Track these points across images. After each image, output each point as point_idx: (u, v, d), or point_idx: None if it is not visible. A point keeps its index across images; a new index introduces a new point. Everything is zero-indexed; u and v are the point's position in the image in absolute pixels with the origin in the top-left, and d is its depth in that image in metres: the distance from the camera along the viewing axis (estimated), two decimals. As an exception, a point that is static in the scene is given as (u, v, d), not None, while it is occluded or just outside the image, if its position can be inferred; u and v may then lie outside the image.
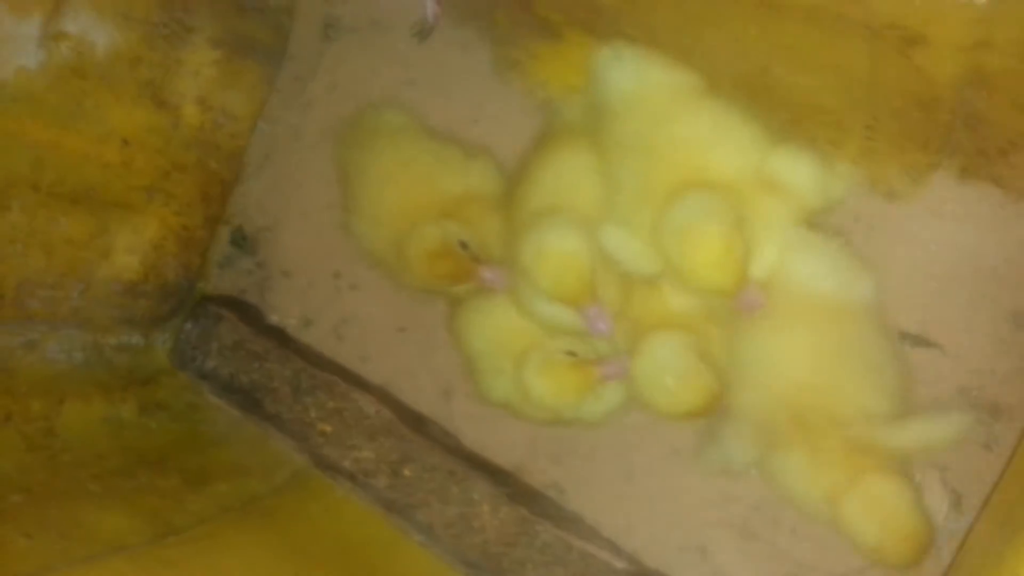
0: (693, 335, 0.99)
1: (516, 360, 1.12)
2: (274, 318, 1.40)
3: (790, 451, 0.95)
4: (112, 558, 1.04)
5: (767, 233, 0.94)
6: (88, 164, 1.18)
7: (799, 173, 0.96)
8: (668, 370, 1.00)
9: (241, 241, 1.44)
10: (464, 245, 1.12)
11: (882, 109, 0.87)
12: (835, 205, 1.02)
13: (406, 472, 1.23)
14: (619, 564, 1.09)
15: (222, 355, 1.36)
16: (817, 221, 1.03)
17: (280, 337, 1.36)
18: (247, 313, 1.39)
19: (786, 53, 0.84)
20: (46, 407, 1.23)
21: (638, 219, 1.00)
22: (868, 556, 0.95)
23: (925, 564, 1.01)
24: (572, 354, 1.07)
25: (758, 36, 0.82)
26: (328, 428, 1.28)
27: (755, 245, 0.93)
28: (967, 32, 0.64)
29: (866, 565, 1.04)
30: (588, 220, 1.04)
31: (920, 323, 1.01)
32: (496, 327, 1.16)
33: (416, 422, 1.26)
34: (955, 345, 1.00)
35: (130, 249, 1.30)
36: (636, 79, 1.02)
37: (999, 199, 0.97)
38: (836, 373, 0.94)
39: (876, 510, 0.91)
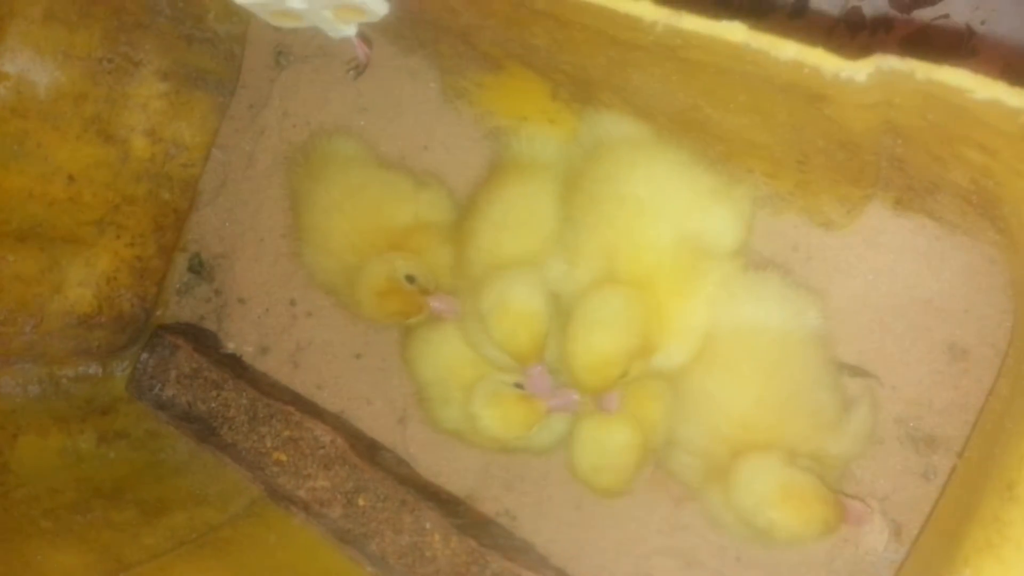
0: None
1: (465, 390, 1.12)
2: (231, 345, 1.41)
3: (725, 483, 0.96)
4: (60, 600, 1.04)
5: (683, 324, 0.95)
6: (33, 202, 1.18)
7: (728, 235, 0.98)
8: (603, 452, 1.01)
9: (199, 268, 1.44)
10: (411, 279, 1.12)
11: (809, 147, 0.87)
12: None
13: (360, 502, 1.23)
14: (567, 595, 1.10)
15: (180, 383, 1.36)
16: (753, 252, 1.05)
17: (237, 366, 1.36)
18: (204, 341, 1.39)
19: (710, 96, 0.84)
20: (0, 442, 1.23)
21: (578, 269, 1.01)
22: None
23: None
24: (519, 387, 1.08)
25: (680, 81, 0.82)
26: (283, 457, 1.29)
27: (665, 335, 0.95)
28: (864, 95, 0.64)
29: (811, 593, 1.04)
30: (543, 266, 1.05)
31: (858, 353, 1.01)
32: (445, 357, 1.16)
33: (370, 451, 1.27)
34: (892, 376, 1.00)
35: (82, 282, 1.30)
36: (603, 134, 1.05)
37: (934, 231, 0.97)
38: (779, 413, 0.94)
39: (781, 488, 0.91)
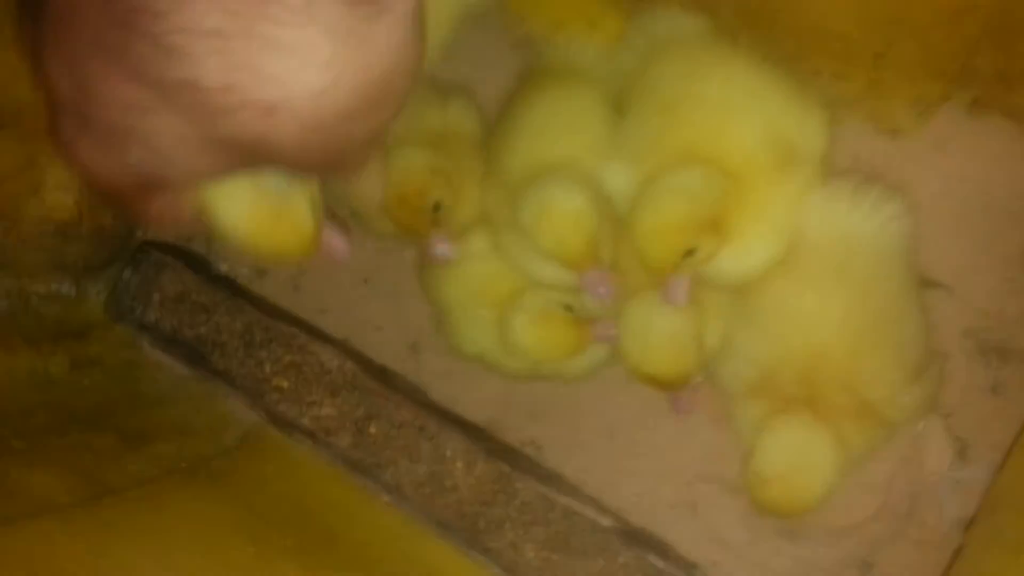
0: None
1: (498, 307, 1.04)
2: (224, 268, 1.29)
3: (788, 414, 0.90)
4: (41, 518, 0.92)
5: (768, 217, 0.90)
6: (18, 83, 1.05)
7: (814, 140, 0.92)
8: (654, 329, 0.94)
9: (187, 184, 1.32)
10: (437, 207, 1.03)
11: (902, 28, 0.82)
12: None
13: (372, 429, 1.13)
14: (605, 522, 1.02)
15: (164, 307, 1.24)
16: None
17: (231, 287, 1.25)
18: (193, 261, 1.27)
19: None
20: (-37, 356, 1.10)
21: (645, 168, 0.94)
22: None
23: (923, 513, 0.97)
24: (569, 309, 1.00)
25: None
26: (284, 384, 1.18)
27: (747, 230, 0.89)
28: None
29: (865, 519, 0.99)
30: (587, 170, 0.98)
31: (925, 264, 0.97)
32: (473, 274, 1.08)
33: (382, 376, 1.17)
34: (962, 286, 0.96)
35: (63, 186, 1.17)
36: (667, 32, 0.99)
37: (1011, 133, 0.93)
38: (861, 342, 0.88)
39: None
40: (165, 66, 0.61)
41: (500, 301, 1.05)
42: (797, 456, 0.86)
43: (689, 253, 0.86)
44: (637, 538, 1.01)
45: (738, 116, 0.91)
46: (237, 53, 0.59)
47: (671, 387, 0.96)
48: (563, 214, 0.94)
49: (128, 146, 0.71)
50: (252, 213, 0.84)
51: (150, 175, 0.75)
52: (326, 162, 0.75)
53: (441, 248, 1.03)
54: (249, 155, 0.69)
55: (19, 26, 0.83)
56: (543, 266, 0.99)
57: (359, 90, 0.64)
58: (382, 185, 1.01)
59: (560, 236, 0.94)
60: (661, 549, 1.00)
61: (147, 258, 1.25)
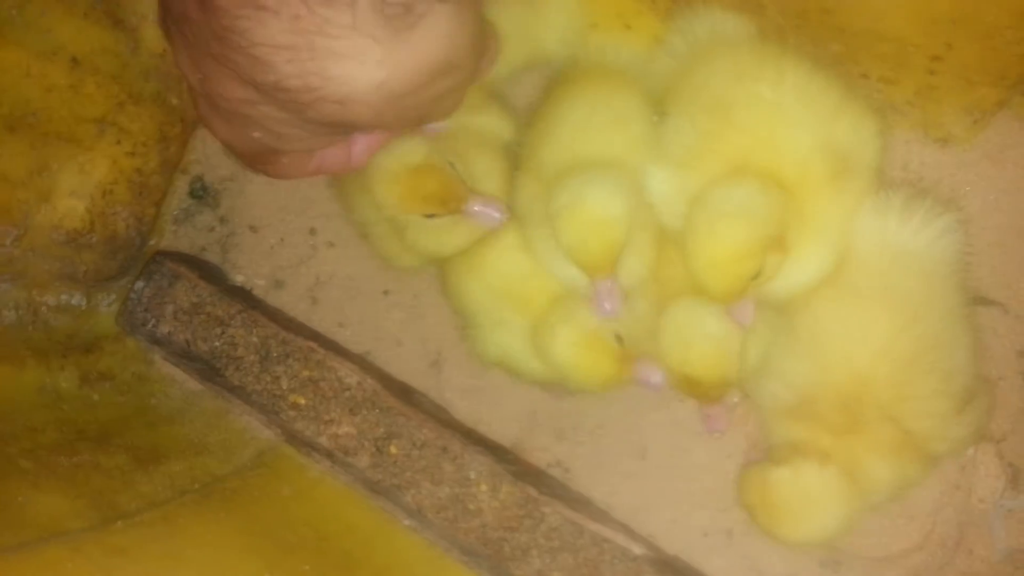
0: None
1: (524, 310, 1.00)
2: (239, 279, 1.25)
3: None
4: (50, 545, 0.88)
5: (823, 230, 0.85)
6: (30, 83, 1.01)
7: (867, 147, 0.88)
8: (699, 330, 0.89)
9: (201, 192, 1.28)
10: (452, 166, 0.98)
11: (964, 29, 0.78)
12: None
13: (392, 449, 1.09)
14: (637, 550, 0.97)
15: (178, 319, 1.20)
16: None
17: (247, 299, 1.21)
18: (208, 272, 1.23)
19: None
20: (-30, 370, 1.06)
21: (692, 174, 0.89)
22: None
23: (971, 542, 0.92)
24: (619, 340, 0.95)
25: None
26: (302, 400, 1.13)
27: (797, 244, 0.84)
28: None
29: (910, 548, 0.94)
30: (628, 170, 0.93)
31: (978, 280, 0.92)
32: (500, 274, 1.03)
33: (403, 394, 1.13)
34: (1017, 304, 0.91)
35: (75, 192, 1.13)
36: (709, 33, 0.95)
37: (1069, 142, 0.89)
38: (907, 370, 0.83)
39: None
40: (256, 72, 0.77)
41: (526, 303, 1.01)
42: (797, 493, 0.82)
43: (755, 276, 0.82)
44: (670, 567, 0.96)
45: (791, 121, 0.86)
46: (307, 61, 0.75)
47: (708, 395, 0.91)
48: (594, 217, 0.89)
49: (246, 126, 0.89)
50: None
51: (269, 145, 0.92)
52: (408, 121, 0.89)
53: (481, 207, 0.97)
54: (342, 127, 0.87)
55: (161, 24, 0.97)
56: (562, 264, 0.95)
57: (417, 73, 0.78)
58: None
59: (584, 237, 0.89)
60: (697, 579, 0.96)
61: (160, 268, 1.20)
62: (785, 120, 0.86)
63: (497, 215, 0.97)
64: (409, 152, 0.96)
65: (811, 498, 0.80)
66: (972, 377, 0.85)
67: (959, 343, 0.85)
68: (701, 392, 0.91)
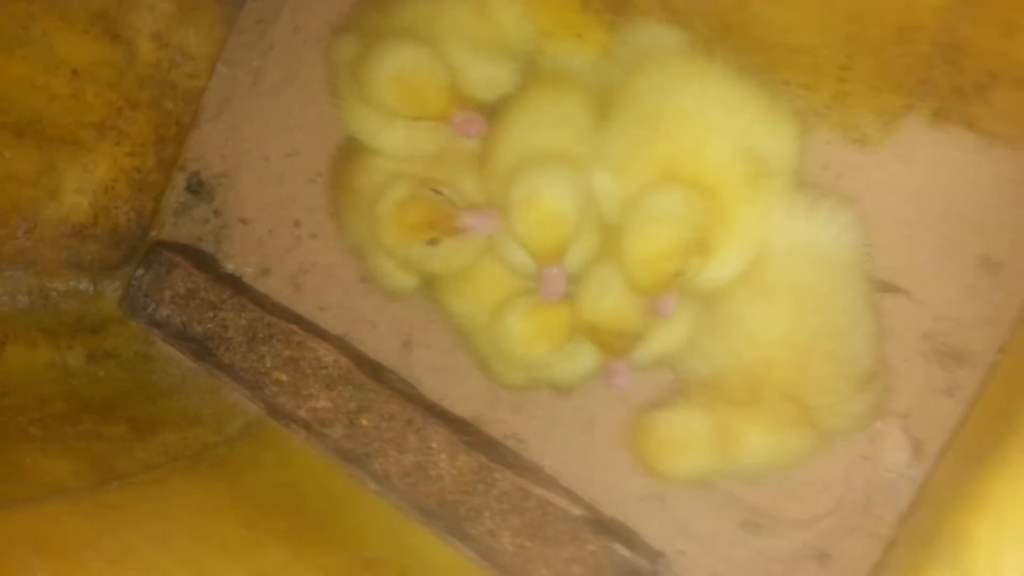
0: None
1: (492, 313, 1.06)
2: (230, 267, 1.36)
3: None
4: (51, 500, 1.00)
5: (742, 230, 0.92)
6: (35, 94, 1.12)
7: (786, 151, 0.95)
8: (610, 289, 0.96)
9: (197, 187, 1.39)
10: (437, 192, 1.05)
11: (859, 44, 0.85)
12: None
13: (363, 421, 1.20)
14: (577, 511, 1.07)
15: (175, 303, 1.31)
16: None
17: (236, 285, 1.32)
18: (202, 261, 1.35)
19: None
20: (-13, 349, 1.18)
21: (627, 178, 0.97)
22: None
23: (879, 508, 1.00)
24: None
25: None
26: (284, 377, 1.25)
27: (721, 243, 0.92)
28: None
29: (823, 512, 1.03)
30: (578, 163, 1.01)
31: (887, 269, 1.00)
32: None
33: (374, 371, 1.23)
34: (922, 291, 0.99)
35: (79, 189, 1.25)
36: (641, 46, 1.02)
37: (972, 143, 0.96)
38: (807, 355, 0.91)
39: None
40: None
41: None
42: (671, 433, 0.91)
43: (678, 274, 0.90)
44: (606, 527, 1.06)
45: (713, 130, 0.94)
46: None
47: (612, 345, 0.97)
48: (547, 209, 0.96)
49: None
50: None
51: None
52: None
53: (473, 220, 1.02)
54: None
55: None
56: (513, 249, 1.02)
57: None
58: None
59: (536, 228, 0.97)
60: (628, 538, 1.05)
61: (158, 258, 1.32)
62: (707, 129, 0.94)
63: (491, 222, 1.04)
64: (394, 192, 1.03)
65: (680, 441, 0.89)
66: (872, 360, 0.93)
67: (859, 330, 0.92)
68: (605, 341, 0.97)
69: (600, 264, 0.98)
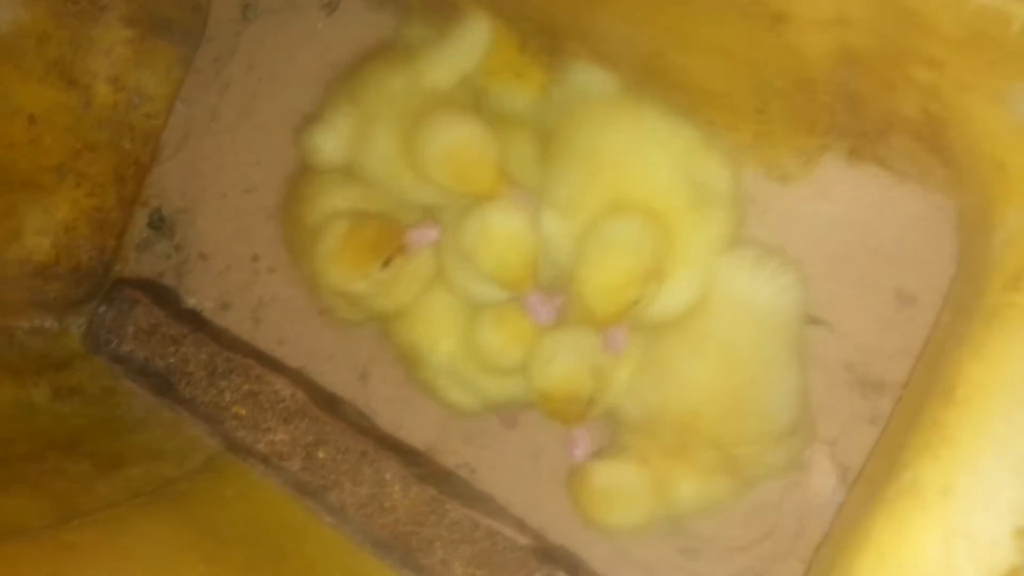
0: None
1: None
2: (191, 301, 1.40)
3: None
4: (12, 541, 1.03)
5: (691, 257, 0.95)
6: (-6, 137, 1.16)
7: (720, 181, 0.98)
8: (558, 355, 0.99)
9: (159, 224, 1.43)
10: (377, 216, 1.08)
11: (768, 92, 0.90)
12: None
13: (320, 454, 1.23)
14: (524, 540, 1.11)
15: (137, 339, 1.35)
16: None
17: (196, 321, 1.35)
18: (163, 296, 1.38)
19: (673, 35, 0.86)
20: (-49, 390, 1.21)
21: (573, 218, 1.00)
22: None
23: (810, 533, 1.04)
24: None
25: (645, 18, 0.84)
26: (243, 411, 1.28)
27: (673, 271, 0.94)
28: (824, 8, 0.66)
29: (759, 538, 1.07)
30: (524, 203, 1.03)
31: (811, 301, 1.04)
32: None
33: (330, 404, 1.27)
34: (843, 323, 1.03)
35: (40, 231, 1.28)
36: (575, 87, 1.05)
37: (886, 180, 1.00)
38: (731, 412, 0.95)
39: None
40: None
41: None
42: (610, 484, 0.94)
43: (635, 303, 0.92)
44: (551, 556, 1.10)
45: (652, 159, 0.96)
46: None
47: (564, 412, 1.00)
48: (503, 237, 0.99)
49: None
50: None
51: None
52: None
53: (418, 234, 1.05)
54: None
55: None
56: (485, 288, 1.04)
57: None
58: None
59: (501, 257, 0.99)
60: (573, 566, 1.09)
61: (120, 294, 1.36)
62: (645, 159, 0.97)
63: (433, 232, 1.07)
64: (334, 228, 1.06)
65: (620, 492, 0.93)
66: (794, 414, 0.96)
67: (784, 387, 0.96)
68: (559, 409, 1.01)
69: (546, 332, 1.01)
